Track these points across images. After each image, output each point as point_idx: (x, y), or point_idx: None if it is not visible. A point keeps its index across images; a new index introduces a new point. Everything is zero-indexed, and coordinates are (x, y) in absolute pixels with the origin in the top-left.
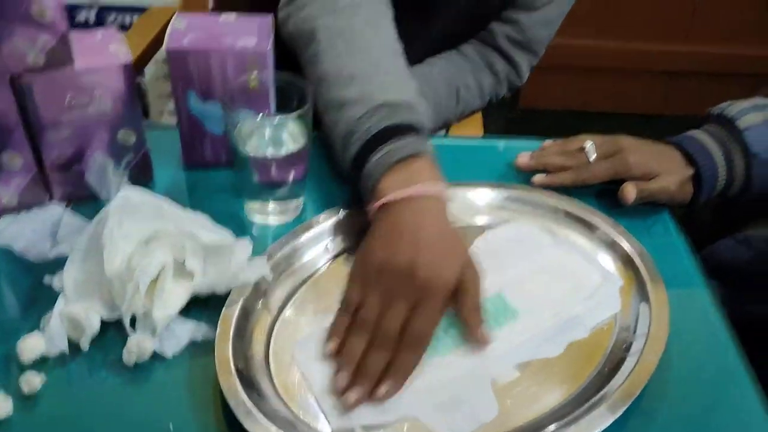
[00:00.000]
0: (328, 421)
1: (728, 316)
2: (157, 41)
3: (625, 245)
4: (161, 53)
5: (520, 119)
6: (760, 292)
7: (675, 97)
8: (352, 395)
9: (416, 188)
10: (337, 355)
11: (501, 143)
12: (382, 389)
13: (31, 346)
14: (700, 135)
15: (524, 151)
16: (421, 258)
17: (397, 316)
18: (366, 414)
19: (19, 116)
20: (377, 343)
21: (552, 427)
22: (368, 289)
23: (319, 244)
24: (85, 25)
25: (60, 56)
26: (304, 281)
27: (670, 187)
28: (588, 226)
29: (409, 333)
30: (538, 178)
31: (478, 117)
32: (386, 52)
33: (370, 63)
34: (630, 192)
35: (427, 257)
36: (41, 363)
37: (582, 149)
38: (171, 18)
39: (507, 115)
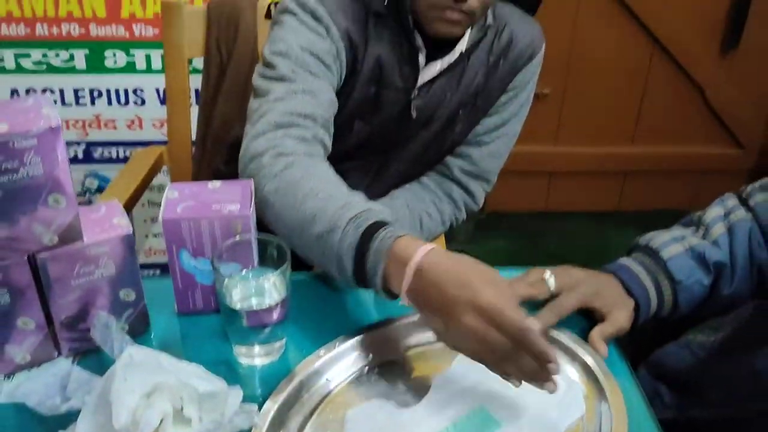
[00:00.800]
0: None
1: (675, 421)
2: (148, 177)
3: (585, 357)
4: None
5: (488, 222)
6: (699, 397)
7: (628, 194)
8: (551, 386)
9: (415, 260)
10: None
11: None
12: (554, 365)
13: None
14: (633, 266)
15: None
16: (472, 292)
17: (502, 339)
18: None
19: (34, 286)
20: (515, 355)
21: None
22: (467, 340)
23: (321, 377)
24: (74, 160)
25: (71, 234)
26: (312, 411)
27: (625, 325)
28: (552, 341)
29: (516, 338)
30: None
31: (441, 242)
32: (328, 187)
33: (321, 199)
34: (603, 348)
35: (473, 290)
36: None
37: (542, 279)
38: (159, 156)
39: (475, 219)
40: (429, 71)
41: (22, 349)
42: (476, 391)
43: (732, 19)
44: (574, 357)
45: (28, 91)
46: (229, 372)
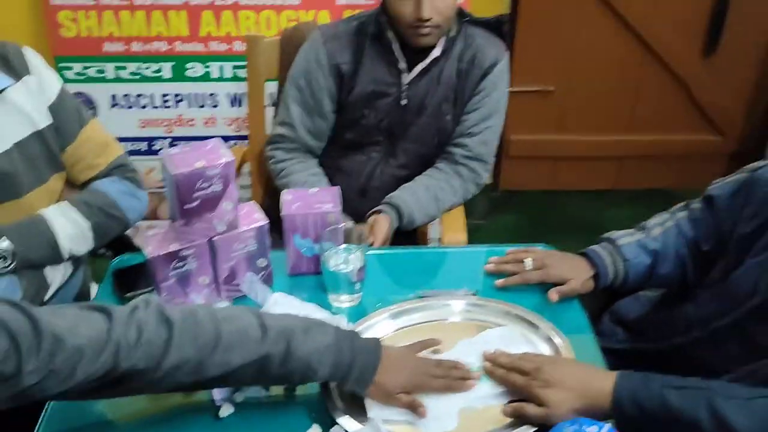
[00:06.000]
0: None
1: (625, 350)
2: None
3: (554, 335)
4: None
5: (500, 200)
6: (642, 335)
7: (623, 175)
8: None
9: None
10: None
11: (483, 249)
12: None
13: None
14: (598, 249)
15: (493, 257)
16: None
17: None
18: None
19: (209, 257)
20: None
21: None
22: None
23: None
24: (161, 152)
25: (233, 224)
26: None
27: (577, 288)
28: (532, 325)
29: None
30: (499, 282)
31: (462, 222)
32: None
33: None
34: (553, 296)
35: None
36: None
37: (522, 262)
38: (243, 154)
39: (490, 196)
40: (413, 73)
41: (199, 297)
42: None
43: (711, 26)
44: (548, 339)
45: (125, 96)
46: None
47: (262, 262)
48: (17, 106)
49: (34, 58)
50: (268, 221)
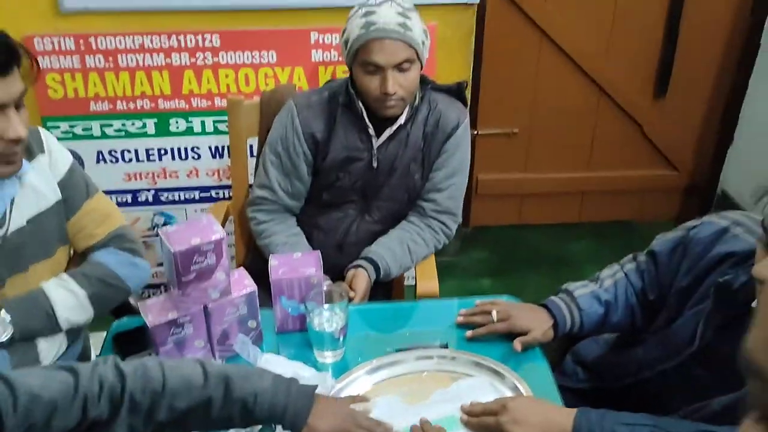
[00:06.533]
0: None
1: (584, 389)
2: None
3: (519, 384)
4: None
5: (471, 236)
6: (599, 375)
7: (586, 210)
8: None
9: None
10: None
11: (454, 301)
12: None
13: None
14: (556, 300)
15: (463, 309)
16: None
17: None
18: None
19: (204, 322)
20: None
21: None
22: None
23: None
24: (146, 203)
25: (226, 291)
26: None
27: (538, 338)
28: (499, 375)
29: None
30: (469, 333)
31: (434, 270)
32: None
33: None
34: (517, 346)
35: None
36: None
37: (489, 313)
38: (226, 209)
39: (460, 233)
40: (381, 138)
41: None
42: (454, 404)
43: (661, 70)
44: (515, 388)
45: (110, 152)
46: (313, 365)
47: (252, 324)
48: (33, 185)
49: (47, 137)
50: (256, 288)
